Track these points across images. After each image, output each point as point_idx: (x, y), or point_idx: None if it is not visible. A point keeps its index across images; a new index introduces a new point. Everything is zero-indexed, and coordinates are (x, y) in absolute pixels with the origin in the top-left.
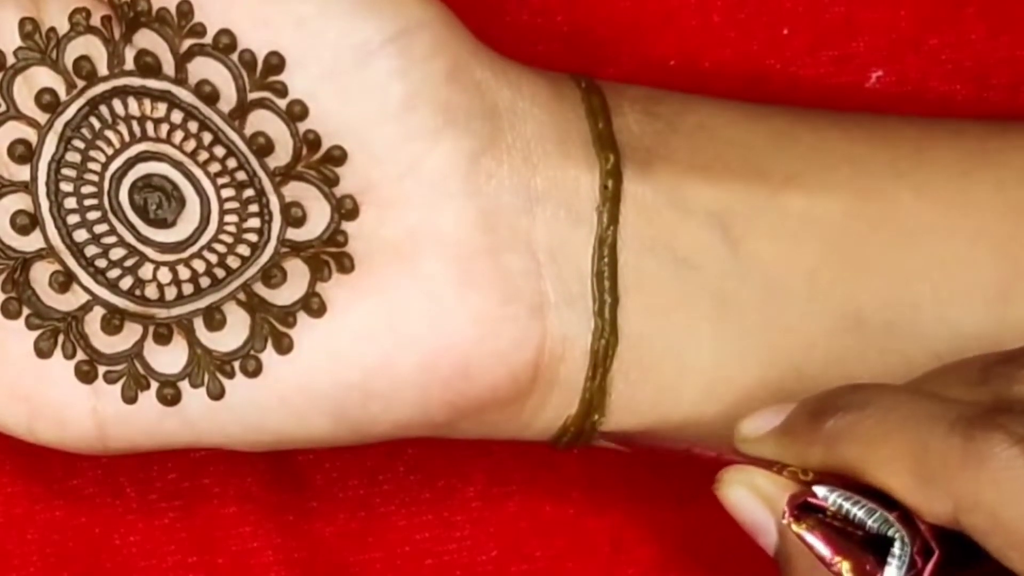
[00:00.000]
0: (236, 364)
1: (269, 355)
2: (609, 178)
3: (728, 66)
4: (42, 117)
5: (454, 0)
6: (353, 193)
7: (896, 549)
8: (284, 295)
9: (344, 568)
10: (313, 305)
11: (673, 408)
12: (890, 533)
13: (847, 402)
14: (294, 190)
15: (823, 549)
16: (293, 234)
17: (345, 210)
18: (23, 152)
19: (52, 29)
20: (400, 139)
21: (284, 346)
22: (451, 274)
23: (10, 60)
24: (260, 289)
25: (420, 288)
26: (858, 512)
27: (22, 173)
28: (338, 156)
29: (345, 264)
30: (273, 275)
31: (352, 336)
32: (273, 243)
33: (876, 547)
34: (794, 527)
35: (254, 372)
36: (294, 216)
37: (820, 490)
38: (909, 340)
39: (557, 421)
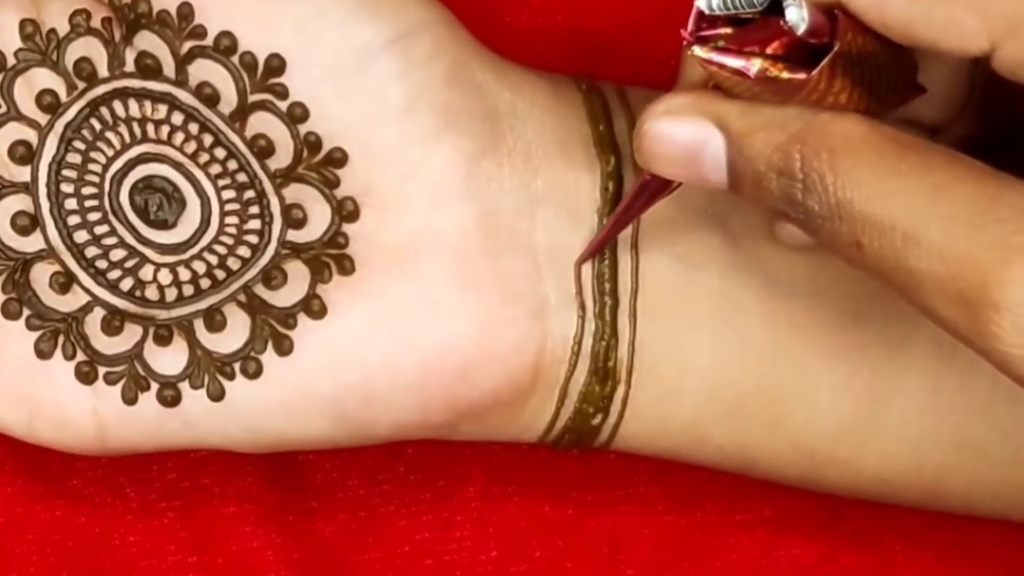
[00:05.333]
0: (236, 365)
1: (269, 357)
2: (610, 180)
3: None
4: (43, 118)
5: (455, 0)
6: (354, 195)
7: None
8: (284, 297)
9: (344, 568)
10: (314, 307)
11: (674, 410)
12: None
13: None
14: (295, 192)
15: (733, 61)
16: (294, 236)
17: (346, 212)
18: (24, 153)
19: (52, 30)
20: (401, 141)
21: (284, 348)
22: (451, 276)
23: (11, 61)
24: (260, 291)
25: (420, 290)
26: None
27: (23, 174)
28: (339, 158)
29: (346, 266)
30: (274, 277)
31: (352, 338)
32: (274, 245)
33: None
34: (698, 52)
35: (254, 374)
36: (295, 218)
37: (700, 2)
38: (911, 327)
39: (558, 423)
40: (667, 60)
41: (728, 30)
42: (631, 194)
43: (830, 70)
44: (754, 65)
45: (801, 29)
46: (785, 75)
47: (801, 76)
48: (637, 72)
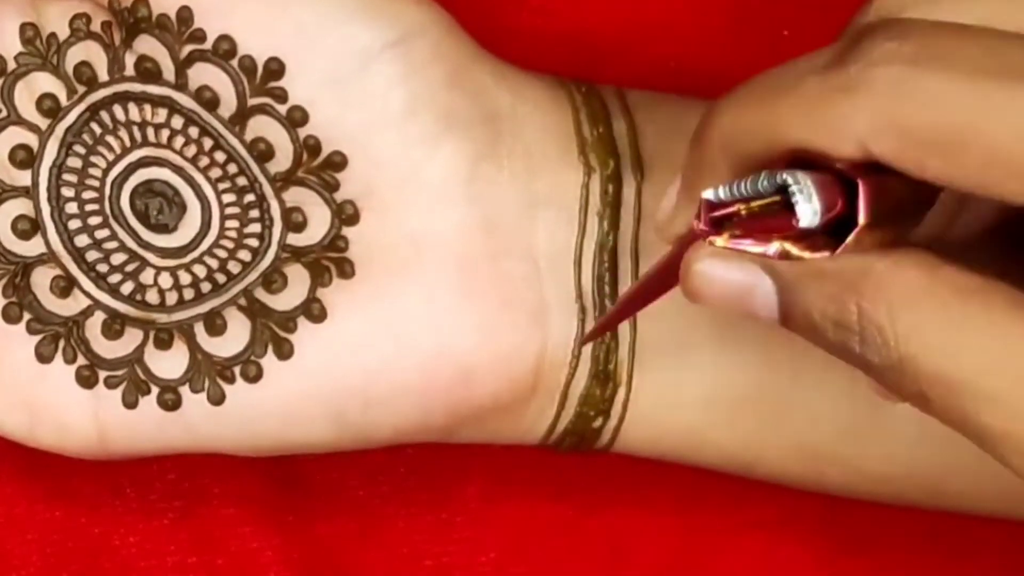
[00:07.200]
0: (237, 369)
1: (270, 360)
2: (609, 183)
3: (728, 68)
4: (43, 122)
5: (455, 0)
6: (354, 198)
7: (792, 183)
8: (285, 300)
9: (344, 568)
10: (314, 311)
11: (675, 413)
12: (785, 181)
13: (720, 110)
14: (295, 195)
15: (752, 247)
16: (294, 239)
17: (346, 215)
18: (24, 157)
19: (53, 35)
20: (401, 145)
21: (285, 352)
22: (452, 280)
23: (11, 65)
24: (261, 294)
25: (421, 294)
26: (748, 186)
27: (23, 178)
28: (338, 162)
29: (346, 269)
30: (274, 280)
31: (353, 342)
32: (274, 248)
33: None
34: (719, 244)
35: (255, 378)
36: (295, 221)
37: (707, 193)
38: None
39: (559, 426)
40: (667, 62)
41: (742, 207)
42: (641, 281)
43: (855, 239)
44: (772, 247)
45: (814, 224)
46: (807, 255)
47: (824, 254)
48: (637, 73)
